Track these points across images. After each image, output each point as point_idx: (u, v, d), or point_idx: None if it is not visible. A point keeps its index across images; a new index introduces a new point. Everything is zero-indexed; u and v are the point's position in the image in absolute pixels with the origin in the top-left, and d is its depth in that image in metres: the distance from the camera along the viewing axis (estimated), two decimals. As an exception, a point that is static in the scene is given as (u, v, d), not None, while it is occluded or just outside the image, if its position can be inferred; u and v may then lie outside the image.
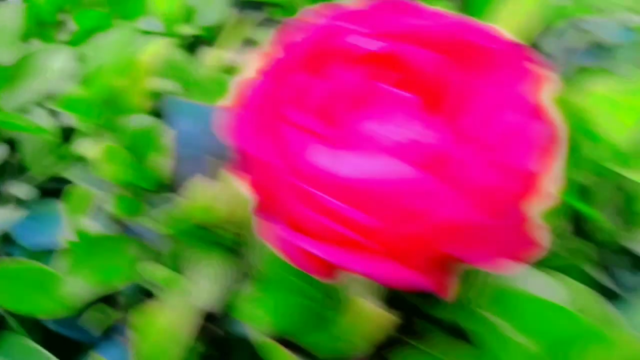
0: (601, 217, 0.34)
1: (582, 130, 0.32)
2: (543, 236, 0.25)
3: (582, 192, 0.34)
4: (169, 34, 0.41)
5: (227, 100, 0.27)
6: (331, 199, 0.24)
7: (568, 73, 0.45)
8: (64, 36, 0.47)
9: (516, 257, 0.25)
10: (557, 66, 0.45)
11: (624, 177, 0.34)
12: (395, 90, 0.27)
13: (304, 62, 0.27)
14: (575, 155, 0.33)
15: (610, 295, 0.36)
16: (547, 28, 0.46)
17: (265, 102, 0.26)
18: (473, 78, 0.27)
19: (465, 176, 0.25)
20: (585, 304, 0.29)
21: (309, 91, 0.26)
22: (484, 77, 0.27)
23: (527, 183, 0.25)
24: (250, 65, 0.27)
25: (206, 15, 0.44)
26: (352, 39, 0.27)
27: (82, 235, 0.32)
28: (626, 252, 0.37)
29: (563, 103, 0.31)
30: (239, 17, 0.42)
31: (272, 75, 0.26)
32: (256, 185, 0.26)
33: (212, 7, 0.44)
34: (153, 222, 0.29)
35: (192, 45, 0.43)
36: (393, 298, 0.30)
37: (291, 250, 0.25)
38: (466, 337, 0.29)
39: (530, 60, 0.26)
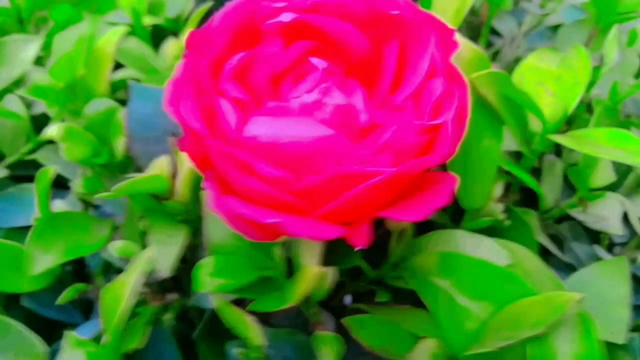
0: (541, 189, 0.35)
1: (521, 102, 0.33)
2: (453, 185, 0.27)
3: (531, 165, 0.36)
4: (135, 25, 0.43)
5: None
6: (257, 161, 0.25)
7: (520, 54, 0.47)
8: (43, 33, 0.49)
9: (433, 207, 0.26)
10: (513, 49, 0.47)
11: (571, 151, 0.36)
12: (313, 59, 0.29)
13: (227, 36, 0.29)
14: (519, 126, 0.34)
15: (563, 266, 0.38)
16: (502, 11, 0.48)
17: (193, 76, 0.28)
18: (385, 43, 0.29)
19: (379, 135, 0.27)
20: (529, 267, 0.31)
21: (232, 62, 0.28)
22: (396, 43, 0.29)
23: (434, 137, 0.27)
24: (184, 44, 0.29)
25: (172, 8, 0.46)
26: (270, 12, 0.29)
27: (47, 212, 0.34)
28: (580, 224, 0.38)
29: (498, 76, 0.32)
30: (201, 9, 0.44)
31: (197, 49, 0.28)
32: (195, 156, 0.28)
33: (175, 0, 0.46)
34: (111, 195, 0.30)
35: (160, 36, 0.45)
36: (353, 271, 0.32)
37: (232, 217, 0.26)
38: (418, 302, 0.30)
39: (439, 26, 0.28)
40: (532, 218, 0.36)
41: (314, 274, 0.28)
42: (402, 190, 0.27)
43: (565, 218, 0.38)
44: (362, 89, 0.29)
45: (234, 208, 0.26)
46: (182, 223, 0.32)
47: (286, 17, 0.29)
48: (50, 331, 0.36)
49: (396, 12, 0.28)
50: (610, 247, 0.40)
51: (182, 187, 0.32)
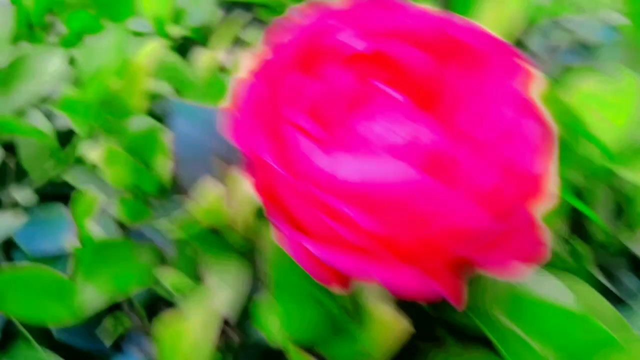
0: (598, 217, 0.34)
1: (573, 128, 0.32)
2: (548, 237, 0.25)
3: (578, 192, 0.35)
4: (159, 34, 0.41)
5: (226, 101, 0.27)
6: (338, 202, 0.24)
7: (553, 72, 0.46)
8: (52, 38, 0.47)
9: (525, 260, 0.25)
10: (542, 65, 0.46)
11: (618, 177, 0.35)
12: (389, 89, 0.28)
13: (295, 62, 0.27)
14: (568, 153, 0.33)
15: (610, 298, 0.37)
16: (531, 26, 0.47)
17: (261, 102, 0.26)
18: (464, 76, 0.28)
19: (466, 177, 0.26)
20: (594, 308, 0.29)
21: (303, 92, 0.27)
22: (475, 74, 0.28)
23: (528, 182, 0.25)
24: (244, 66, 0.27)
25: (195, 16, 0.44)
26: (342, 39, 0.27)
27: (91, 241, 0.31)
28: (626, 254, 0.37)
29: (553, 101, 0.31)
30: (228, 18, 0.42)
31: (266, 75, 0.27)
32: (262, 189, 0.26)
33: (200, 8, 0.44)
34: (163, 226, 0.28)
35: (182, 46, 0.43)
36: (410, 304, 0.30)
37: (304, 257, 0.25)
38: (484, 343, 0.28)
39: (517, 57, 0.27)
40: (585, 249, 0.36)
41: (391, 323, 0.26)
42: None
43: (616, 247, 0.38)
44: (436, 119, 0.28)
45: (316, 253, 0.24)
46: (240, 255, 0.30)
47: (359, 45, 0.27)
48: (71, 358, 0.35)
49: (472, 40, 0.27)
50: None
51: (243, 216, 0.30)
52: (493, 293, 0.29)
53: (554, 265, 0.31)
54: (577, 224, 0.37)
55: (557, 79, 0.41)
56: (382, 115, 0.28)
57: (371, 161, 0.25)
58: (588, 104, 0.35)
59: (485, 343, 0.29)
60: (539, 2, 0.43)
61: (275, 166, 0.24)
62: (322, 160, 0.25)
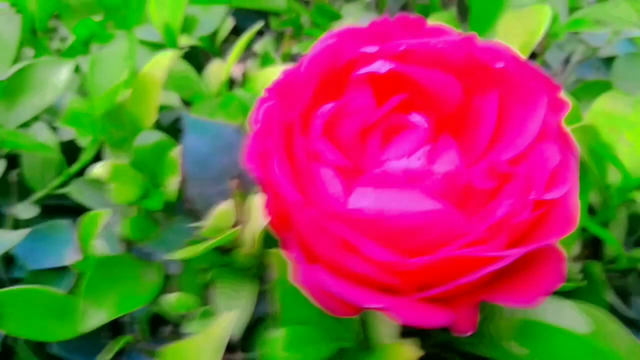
0: (615, 240, 0.33)
1: (597, 151, 0.31)
2: (566, 265, 0.24)
3: (596, 215, 0.34)
4: (168, 44, 0.40)
5: (242, 119, 0.26)
6: (352, 233, 0.23)
7: (567, 84, 0.45)
8: (56, 43, 0.46)
9: (543, 289, 0.24)
10: (559, 78, 0.45)
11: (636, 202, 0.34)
12: (411, 114, 0.27)
13: (316, 84, 0.26)
14: (587, 176, 0.32)
15: (624, 321, 0.36)
16: (548, 40, 0.46)
17: (278, 125, 0.25)
18: (489, 101, 0.27)
19: (492, 209, 0.25)
20: (607, 332, 0.28)
21: (323, 115, 0.26)
22: (502, 100, 0.27)
23: (552, 211, 0.24)
24: (264, 85, 0.26)
25: (205, 25, 0.43)
26: (364, 60, 0.26)
27: (94, 258, 0.31)
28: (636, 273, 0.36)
29: (576, 122, 0.30)
30: (239, 27, 0.41)
31: (285, 96, 0.26)
32: (274, 213, 0.25)
33: (211, 17, 0.43)
34: (171, 246, 0.28)
35: (190, 54, 0.42)
36: (418, 332, 0.29)
37: (313, 287, 0.24)
38: None
39: (548, 83, 0.26)
40: (600, 272, 0.35)
41: (403, 353, 0.25)
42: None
43: (631, 270, 0.37)
44: (457, 145, 0.27)
45: (326, 284, 0.23)
46: (249, 277, 0.30)
47: (381, 67, 0.26)
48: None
49: (500, 64, 0.26)
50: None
51: (253, 240, 0.29)
52: (504, 320, 0.29)
53: (567, 288, 0.31)
54: (591, 245, 0.36)
55: (572, 92, 0.41)
56: (403, 142, 0.27)
57: (389, 191, 0.24)
58: (610, 125, 0.34)
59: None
60: (558, 17, 0.42)
61: (291, 193, 0.23)
62: (340, 190, 0.24)
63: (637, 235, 0.37)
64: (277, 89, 0.26)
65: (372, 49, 0.26)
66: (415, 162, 0.25)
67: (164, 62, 0.34)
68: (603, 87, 0.39)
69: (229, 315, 0.26)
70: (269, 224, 0.25)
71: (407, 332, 0.29)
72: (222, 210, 0.29)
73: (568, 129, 0.29)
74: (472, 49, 0.26)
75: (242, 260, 0.29)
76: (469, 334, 0.24)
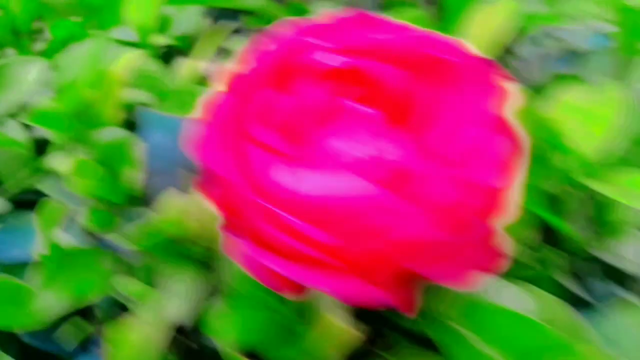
0: (569, 227, 0.34)
1: (550, 141, 0.32)
2: (508, 248, 0.25)
3: (552, 201, 0.34)
4: (143, 44, 0.41)
5: (196, 113, 0.27)
6: (292, 218, 0.24)
7: (543, 79, 0.45)
8: (40, 45, 0.47)
9: (481, 271, 0.25)
10: (532, 73, 0.46)
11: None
12: (359, 106, 0.27)
13: (268, 78, 0.27)
14: (544, 165, 0.33)
15: (582, 304, 0.37)
16: (522, 35, 0.46)
17: (229, 117, 0.26)
18: (437, 93, 0.27)
19: (427, 193, 0.25)
20: (554, 314, 0.29)
21: (272, 108, 0.27)
22: (448, 91, 0.27)
23: (489, 198, 0.25)
24: (218, 78, 0.27)
25: (180, 25, 0.44)
26: (317, 55, 0.27)
27: (55, 248, 0.31)
28: (597, 261, 0.37)
29: (531, 113, 0.31)
30: (213, 27, 0.42)
31: (237, 90, 0.26)
32: (221, 202, 0.26)
33: (186, 17, 0.44)
34: (125, 236, 0.28)
35: (167, 54, 0.43)
36: (362, 310, 0.30)
37: (257, 268, 0.25)
38: (436, 348, 0.29)
39: (494, 74, 0.26)
40: (554, 257, 0.35)
41: (341, 330, 0.26)
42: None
43: (586, 253, 0.37)
44: (404, 136, 0.28)
45: (267, 264, 0.24)
46: (197, 263, 0.30)
47: (332, 60, 0.27)
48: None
49: (447, 56, 0.27)
50: (632, 286, 0.38)
51: (201, 228, 0.30)
52: (450, 300, 0.29)
53: (520, 274, 0.31)
54: (550, 232, 0.36)
55: (547, 86, 0.41)
56: (350, 131, 0.28)
57: (331, 176, 0.25)
58: (569, 115, 0.35)
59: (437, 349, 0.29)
60: (529, 11, 0.42)
61: (233, 180, 0.24)
62: (282, 175, 0.25)
63: (595, 221, 0.37)
64: (231, 83, 0.26)
65: (324, 43, 0.27)
66: (358, 149, 0.26)
67: (129, 61, 0.35)
68: (575, 81, 0.40)
69: (176, 300, 0.27)
70: (216, 210, 0.26)
71: (354, 313, 0.30)
72: (175, 202, 0.30)
73: (518, 118, 0.30)
74: (421, 43, 0.27)
75: (193, 251, 0.30)
76: (412, 315, 0.24)
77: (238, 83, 0.27)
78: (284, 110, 0.27)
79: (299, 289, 0.25)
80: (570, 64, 0.45)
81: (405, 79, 0.27)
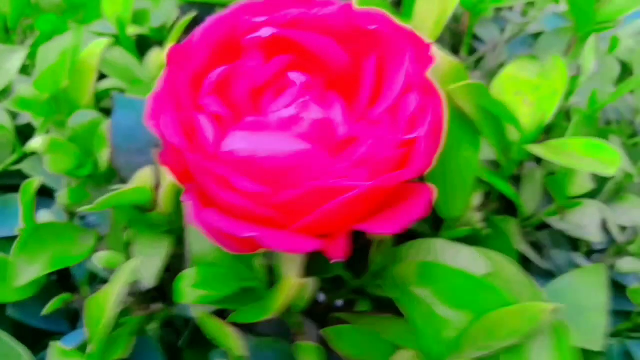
0: (518, 197, 0.35)
1: (499, 113, 0.33)
2: (427, 199, 0.27)
3: (504, 172, 0.36)
4: (120, 35, 0.43)
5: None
6: (235, 176, 0.26)
7: (505, 62, 0.47)
8: (29, 42, 0.49)
9: (411, 220, 0.27)
10: (494, 55, 0.48)
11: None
12: (292, 73, 0.30)
13: (209, 51, 0.29)
14: (497, 137, 0.35)
15: (543, 273, 0.39)
16: (485, 18, 0.48)
17: (174, 90, 0.28)
18: (363, 58, 0.30)
19: (359, 150, 0.27)
20: (505, 275, 0.31)
21: (214, 77, 0.29)
22: (374, 57, 0.30)
23: (414, 152, 0.27)
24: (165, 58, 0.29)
25: (157, 18, 0.46)
26: (252, 27, 0.29)
27: (31, 222, 0.34)
28: (558, 231, 0.39)
29: (476, 87, 0.33)
30: (185, 18, 0.44)
31: (180, 63, 0.29)
32: (176, 170, 0.28)
33: (161, 10, 0.46)
34: (97, 208, 0.31)
35: (145, 46, 0.45)
36: (334, 279, 0.32)
37: (211, 230, 0.27)
38: (397, 310, 0.30)
39: (415, 40, 0.29)
40: (511, 226, 0.37)
41: (294, 285, 0.28)
42: (380, 202, 0.28)
43: (546, 226, 0.39)
44: (341, 102, 0.30)
45: (213, 221, 0.26)
46: (165, 234, 0.33)
47: (265, 32, 0.29)
48: (36, 340, 0.37)
49: (374, 26, 0.29)
50: (590, 254, 0.40)
51: (164, 199, 0.32)
52: (407, 264, 0.31)
53: (465, 233, 0.33)
54: (508, 203, 0.38)
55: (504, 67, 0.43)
56: (284, 96, 0.30)
57: (261, 134, 0.27)
58: (515, 88, 0.37)
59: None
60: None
61: (178, 144, 0.27)
62: (214, 134, 0.27)
63: (554, 192, 0.38)
64: (174, 56, 0.29)
65: (261, 19, 0.29)
66: (288, 110, 0.28)
67: (98, 49, 0.38)
68: (529, 61, 0.42)
69: (132, 262, 0.29)
70: (172, 176, 0.28)
71: (324, 282, 0.32)
72: (141, 173, 0.33)
73: (453, 87, 0.32)
74: (350, 15, 0.29)
75: (157, 217, 0.33)
76: (343, 260, 0.26)
77: (182, 56, 0.29)
78: (224, 78, 0.29)
79: (249, 246, 0.27)
80: (529, 46, 0.47)
81: (335, 46, 0.30)
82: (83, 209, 0.31)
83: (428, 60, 0.29)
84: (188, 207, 0.27)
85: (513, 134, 0.35)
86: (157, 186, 0.33)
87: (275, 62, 0.30)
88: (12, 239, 0.34)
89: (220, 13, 0.30)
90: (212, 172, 0.26)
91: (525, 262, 0.38)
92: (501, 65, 0.44)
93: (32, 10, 0.49)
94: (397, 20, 0.29)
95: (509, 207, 0.39)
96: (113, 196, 0.30)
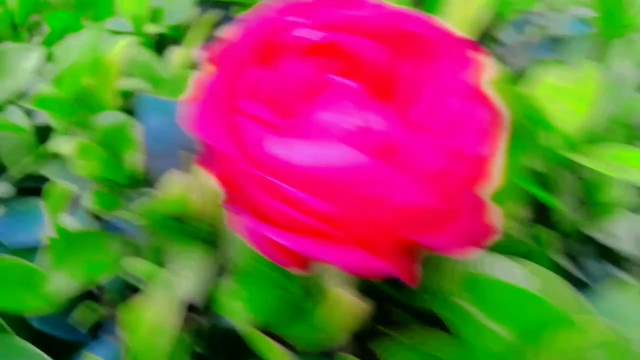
0: (559, 203, 0.35)
1: (534, 118, 0.33)
2: (498, 219, 0.26)
3: (543, 180, 0.35)
4: (137, 33, 0.42)
5: (189, 94, 0.28)
6: (290, 188, 0.25)
7: (525, 66, 0.47)
8: (38, 39, 0.48)
9: (474, 240, 0.26)
10: (514, 59, 0.47)
11: (583, 167, 0.36)
12: (342, 79, 0.28)
13: (253, 55, 0.28)
14: (530, 142, 0.34)
15: (576, 283, 0.38)
16: (504, 21, 0.47)
17: (220, 94, 0.27)
18: (415, 66, 0.29)
19: (414, 161, 0.26)
20: (553, 290, 0.30)
21: (260, 83, 0.28)
22: (426, 65, 0.29)
23: (474, 165, 0.26)
24: (206, 59, 0.28)
25: (172, 15, 0.45)
26: (298, 31, 0.28)
27: (62, 232, 0.32)
28: (591, 241, 0.38)
29: (514, 92, 0.32)
30: (204, 16, 0.43)
31: (224, 67, 0.28)
32: (221, 177, 0.27)
33: (177, 7, 0.45)
34: (130, 216, 0.29)
35: (160, 44, 0.44)
36: (370, 289, 0.31)
37: (261, 242, 0.26)
38: (441, 325, 0.29)
39: (468, 48, 0.28)
40: (547, 235, 0.36)
41: (348, 304, 0.27)
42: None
43: (580, 234, 0.38)
44: (388, 108, 0.29)
45: (268, 236, 0.25)
46: (204, 242, 0.31)
47: (313, 35, 0.28)
48: (52, 348, 0.36)
49: (422, 31, 0.28)
50: (625, 264, 0.40)
51: (204, 206, 0.31)
52: (452, 275, 0.30)
53: (515, 251, 0.32)
54: (542, 211, 0.37)
55: (528, 72, 0.42)
56: (336, 104, 0.29)
57: (324, 147, 0.26)
58: (551, 94, 0.36)
59: (444, 326, 0.29)
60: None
61: (231, 153, 0.25)
62: (275, 147, 0.26)
63: (588, 201, 0.38)
64: (219, 63, 0.28)
65: (304, 20, 0.28)
66: (344, 119, 0.27)
67: (123, 48, 0.37)
68: (555, 66, 0.41)
69: (185, 279, 0.28)
70: (217, 187, 0.27)
71: (360, 290, 0.31)
72: (177, 182, 0.31)
73: (499, 94, 0.31)
74: (397, 18, 0.28)
75: (199, 229, 0.31)
76: (413, 285, 0.25)
77: (225, 61, 0.28)
78: (271, 85, 0.28)
79: (303, 262, 0.26)
80: (551, 50, 0.47)
81: (384, 52, 0.29)
82: (118, 216, 0.30)
83: (480, 67, 0.28)
84: (231, 216, 0.26)
85: (549, 141, 0.35)
86: (190, 191, 0.32)
87: (321, 66, 0.29)
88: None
89: (259, 13, 0.29)
90: (273, 187, 0.25)
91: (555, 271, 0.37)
92: (522, 70, 0.44)
93: (40, 6, 0.47)
94: (443, 24, 0.29)
95: (539, 214, 0.38)
96: (151, 208, 0.29)
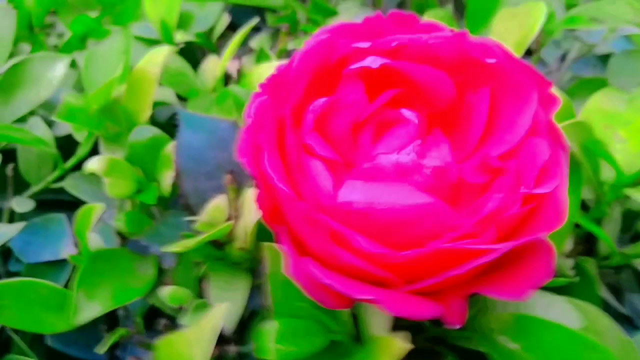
0: (609, 238, 0.33)
1: (596, 151, 0.31)
2: (556, 260, 0.24)
3: (589, 212, 0.34)
4: (165, 40, 0.40)
5: (236, 115, 0.26)
6: (349, 230, 0.23)
7: (563, 82, 0.45)
8: (53, 40, 0.46)
9: (533, 282, 0.24)
10: (555, 75, 0.45)
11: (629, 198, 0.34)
12: (405, 111, 0.27)
13: (308, 79, 0.26)
14: (580, 173, 0.32)
15: (620, 317, 0.36)
16: (543, 37, 0.46)
17: (270, 119, 0.25)
18: (482, 96, 0.27)
19: (481, 203, 0.25)
20: (600, 329, 0.29)
21: (314, 110, 0.26)
22: (493, 95, 0.27)
23: (551, 210, 0.24)
24: (258, 81, 0.26)
25: (201, 21, 0.43)
26: (355, 57, 0.26)
27: (90, 254, 0.31)
28: (636, 273, 0.36)
29: (577, 125, 0.30)
30: (235, 24, 0.41)
31: (277, 92, 0.26)
32: (266, 207, 0.25)
33: (206, 13, 0.43)
34: (163, 240, 0.28)
35: (186, 50, 0.42)
36: (412, 325, 0.29)
37: (311, 284, 0.24)
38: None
39: (540, 79, 0.26)
40: (593, 268, 0.35)
41: (394, 347, 0.25)
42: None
43: (624, 267, 0.37)
44: (448, 140, 0.27)
45: (317, 277, 0.23)
46: (244, 271, 0.30)
47: (372, 62, 0.26)
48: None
49: (492, 60, 0.26)
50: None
51: (247, 234, 0.29)
52: (497, 314, 0.29)
53: (560, 284, 0.31)
54: (585, 242, 0.36)
55: (568, 89, 0.41)
56: (394, 136, 0.27)
57: (378, 185, 0.24)
58: (604, 122, 0.34)
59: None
60: (554, 14, 0.42)
61: (282, 187, 0.24)
62: (329, 183, 0.24)
63: (631, 232, 0.37)
64: (270, 84, 0.26)
65: (364, 45, 0.27)
66: (406, 156, 0.25)
67: (159, 57, 0.35)
68: (599, 84, 0.40)
69: (221, 308, 0.26)
70: (261, 218, 0.25)
71: (399, 326, 0.29)
72: (216, 205, 0.29)
73: (560, 125, 0.29)
74: (464, 45, 0.27)
75: (235, 254, 0.30)
76: (459, 326, 0.24)
77: (278, 84, 0.26)
78: (326, 112, 0.26)
79: (347, 302, 0.24)
80: (591, 67, 0.45)
81: (449, 82, 0.27)
82: (148, 238, 0.28)
83: (553, 101, 0.26)
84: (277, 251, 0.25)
85: (606, 173, 0.33)
86: (230, 217, 0.30)
87: (382, 96, 0.27)
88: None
89: (317, 36, 0.27)
90: (323, 225, 0.23)
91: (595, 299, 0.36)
92: (563, 87, 0.43)
93: (57, 5, 0.45)
94: (514, 54, 0.27)
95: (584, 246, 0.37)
96: (196, 241, 0.27)
